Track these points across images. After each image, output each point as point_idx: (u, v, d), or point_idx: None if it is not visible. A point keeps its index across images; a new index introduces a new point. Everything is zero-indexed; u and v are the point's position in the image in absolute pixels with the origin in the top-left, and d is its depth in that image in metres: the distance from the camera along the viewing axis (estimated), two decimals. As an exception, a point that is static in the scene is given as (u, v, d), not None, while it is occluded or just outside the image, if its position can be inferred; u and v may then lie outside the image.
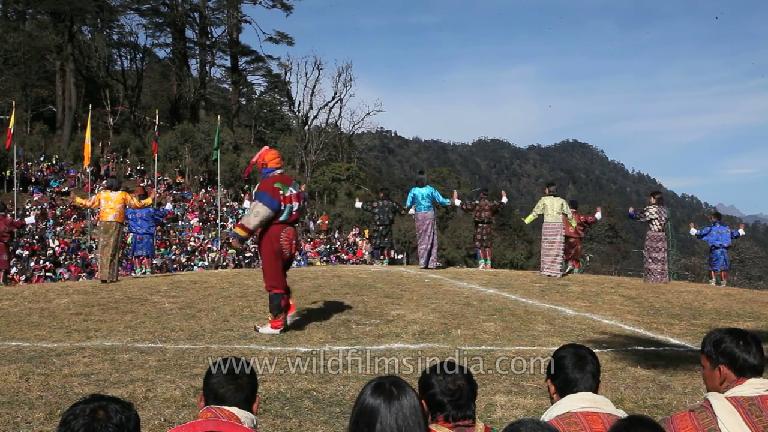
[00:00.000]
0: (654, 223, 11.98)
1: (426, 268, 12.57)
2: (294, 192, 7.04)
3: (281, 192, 6.92)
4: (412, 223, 13.45)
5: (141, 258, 14.23)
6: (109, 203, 11.08)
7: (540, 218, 12.41)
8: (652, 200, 12.26)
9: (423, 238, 12.82)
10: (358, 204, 15.45)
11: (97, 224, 11.41)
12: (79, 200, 12.70)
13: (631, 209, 13.11)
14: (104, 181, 12.52)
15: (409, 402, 1.91)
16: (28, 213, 28.95)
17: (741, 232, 14.32)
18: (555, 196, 12.25)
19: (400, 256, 26.03)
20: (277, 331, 6.96)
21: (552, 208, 12.06)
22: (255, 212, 6.88)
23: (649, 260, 11.92)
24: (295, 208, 7.01)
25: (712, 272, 13.76)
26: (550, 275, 11.80)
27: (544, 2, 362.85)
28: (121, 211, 11.22)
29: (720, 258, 13.64)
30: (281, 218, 6.94)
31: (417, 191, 12.86)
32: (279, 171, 7.11)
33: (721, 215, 14.63)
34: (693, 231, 14.18)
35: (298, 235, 7.23)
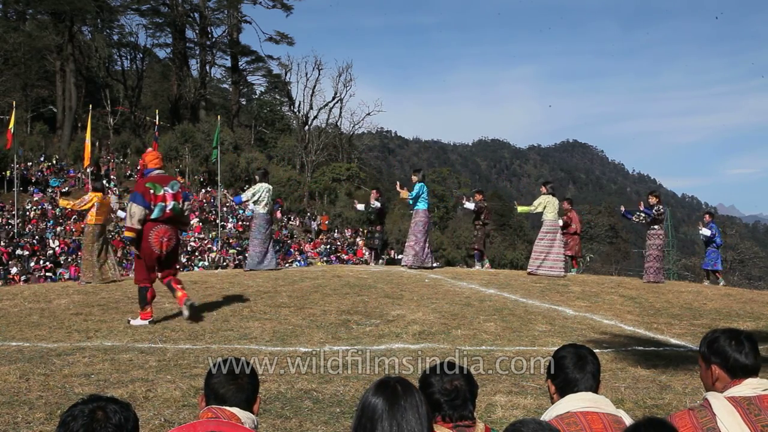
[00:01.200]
0: (659, 221, 12.01)
1: (426, 267, 12.56)
2: (171, 191, 7.37)
3: (152, 191, 7.30)
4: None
5: None
6: (102, 207, 11.14)
7: (537, 216, 12.44)
8: (654, 200, 12.23)
9: (428, 237, 12.81)
10: (360, 206, 15.00)
11: (91, 227, 11.29)
12: (63, 202, 12.37)
13: (623, 208, 12.98)
14: (94, 183, 12.43)
15: (413, 402, 1.91)
16: None
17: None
18: (553, 195, 12.31)
19: (400, 256, 26.00)
20: (146, 323, 7.33)
21: (553, 206, 12.12)
22: (130, 213, 7.34)
23: (660, 258, 11.94)
24: (168, 207, 7.32)
25: (712, 272, 13.74)
26: (550, 275, 11.80)
27: (546, 2, 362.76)
28: (108, 213, 11.39)
29: (719, 257, 13.65)
30: (152, 216, 7.30)
31: (424, 188, 12.83)
32: (157, 171, 7.51)
33: (714, 215, 14.68)
34: (706, 232, 13.84)
35: (173, 232, 7.46)
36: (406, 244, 12.99)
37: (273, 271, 11.63)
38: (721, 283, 13.18)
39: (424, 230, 12.73)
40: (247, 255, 12.65)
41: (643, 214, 12.28)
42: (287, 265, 27.07)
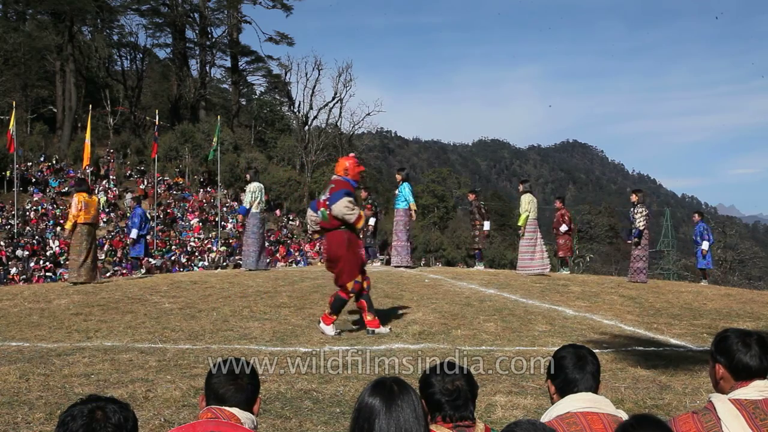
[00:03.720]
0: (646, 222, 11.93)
1: (408, 267, 12.62)
2: (323, 198, 7.00)
3: (320, 197, 7.10)
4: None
5: (142, 259, 14.28)
6: (90, 206, 11.08)
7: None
8: (635, 198, 12.14)
9: (409, 235, 12.86)
10: (372, 220, 13.87)
11: (79, 227, 11.15)
12: (69, 225, 11.33)
13: (632, 229, 11.96)
14: (76, 185, 12.24)
15: (410, 402, 1.91)
16: None
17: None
18: (531, 192, 12.43)
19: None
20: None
21: (534, 204, 12.21)
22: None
23: (643, 258, 11.87)
24: (321, 217, 6.98)
25: (703, 271, 13.77)
26: (542, 272, 11.89)
27: (552, 1, 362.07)
28: (97, 213, 11.28)
29: (708, 256, 13.65)
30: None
31: (409, 187, 12.80)
32: (332, 177, 7.17)
33: (704, 214, 14.70)
34: (705, 246, 13.64)
35: (328, 243, 7.02)
36: (392, 244, 13.01)
37: (273, 272, 11.64)
38: (704, 282, 13.15)
39: (405, 229, 12.69)
40: (243, 255, 12.57)
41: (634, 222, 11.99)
42: (287, 265, 27.06)
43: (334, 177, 7.08)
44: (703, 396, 4.77)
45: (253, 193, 12.05)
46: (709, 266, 13.91)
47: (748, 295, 11.00)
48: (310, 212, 7.23)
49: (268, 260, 12.15)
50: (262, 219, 12.18)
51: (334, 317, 7.00)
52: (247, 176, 12.60)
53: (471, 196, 14.48)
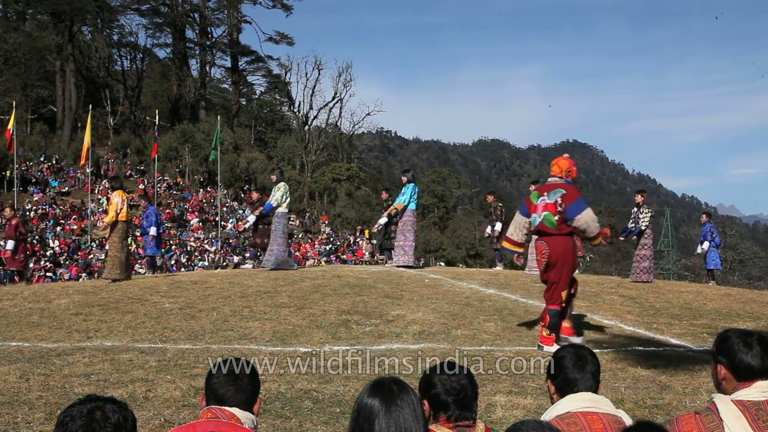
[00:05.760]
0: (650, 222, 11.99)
1: (414, 267, 12.64)
2: (546, 201, 6.54)
3: (531, 201, 6.73)
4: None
5: (156, 258, 14.39)
6: (125, 204, 11.12)
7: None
8: (641, 199, 12.12)
9: (416, 236, 12.94)
10: (384, 220, 13.67)
11: (121, 224, 11.11)
12: (109, 220, 11.01)
13: (630, 226, 12.14)
14: (112, 182, 12.24)
15: (409, 402, 1.91)
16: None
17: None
18: None
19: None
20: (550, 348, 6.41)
21: None
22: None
23: (648, 258, 11.89)
24: (538, 220, 6.55)
25: (712, 272, 13.75)
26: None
27: (554, 1, 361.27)
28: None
29: (717, 257, 13.64)
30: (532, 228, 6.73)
31: (415, 188, 12.86)
32: (551, 179, 6.77)
33: (710, 214, 14.72)
34: (705, 246, 13.60)
35: (551, 248, 6.48)
36: (396, 244, 13.00)
37: (273, 271, 11.63)
38: (712, 283, 13.13)
39: (413, 230, 12.78)
40: (267, 254, 12.43)
41: (635, 222, 12.03)
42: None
43: (555, 180, 6.65)
44: (703, 396, 4.78)
45: (286, 193, 11.98)
46: (717, 267, 13.90)
47: (748, 295, 11.00)
48: (518, 218, 6.84)
49: (294, 260, 12.23)
50: (288, 219, 12.22)
51: (554, 336, 6.42)
52: (273, 177, 12.48)
53: (489, 198, 14.60)
